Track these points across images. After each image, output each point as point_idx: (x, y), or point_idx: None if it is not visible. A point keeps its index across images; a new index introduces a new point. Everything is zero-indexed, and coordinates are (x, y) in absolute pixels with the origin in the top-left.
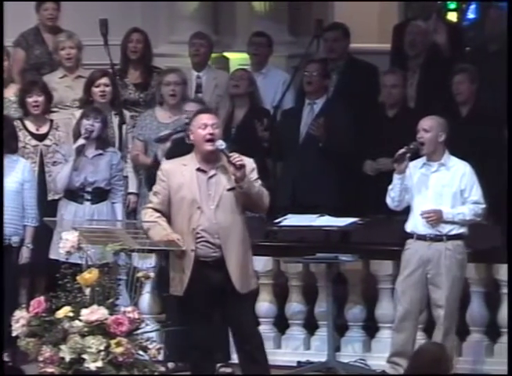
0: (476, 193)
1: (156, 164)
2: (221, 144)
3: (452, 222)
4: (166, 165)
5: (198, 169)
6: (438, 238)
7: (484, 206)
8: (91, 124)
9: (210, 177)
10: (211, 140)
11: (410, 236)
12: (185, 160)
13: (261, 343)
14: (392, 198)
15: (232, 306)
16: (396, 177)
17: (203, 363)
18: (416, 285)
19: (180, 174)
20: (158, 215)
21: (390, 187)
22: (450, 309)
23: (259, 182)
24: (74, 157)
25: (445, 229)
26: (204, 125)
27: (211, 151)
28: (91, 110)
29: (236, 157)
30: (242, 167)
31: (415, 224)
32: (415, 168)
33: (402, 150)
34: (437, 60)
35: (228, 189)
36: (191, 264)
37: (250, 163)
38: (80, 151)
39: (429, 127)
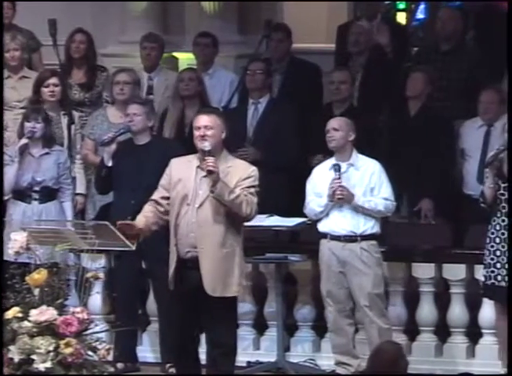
0: (386, 190)
1: (103, 166)
2: (204, 146)
3: (364, 211)
4: (173, 160)
5: (198, 167)
6: (352, 239)
7: (395, 203)
8: (32, 126)
9: (205, 176)
10: (201, 141)
11: (322, 236)
12: (191, 157)
13: (229, 351)
14: (319, 216)
15: (205, 309)
16: (327, 204)
17: (185, 363)
18: (339, 285)
19: (182, 170)
20: (151, 209)
21: (316, 207)
22: (378, 306)
23: (250, 190)
24: (19, 158)
25: (359, 229)
26: (198, 127)
27: (202, 151)
28: (31, 111)
29: (208, 161)
30: (209, 172)
31: (329, 225)
32: (323, 172)
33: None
34: (380, 60)
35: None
36: (175, 259)
37: (247, 171)
38: (23, 151)
39: (339, 126)
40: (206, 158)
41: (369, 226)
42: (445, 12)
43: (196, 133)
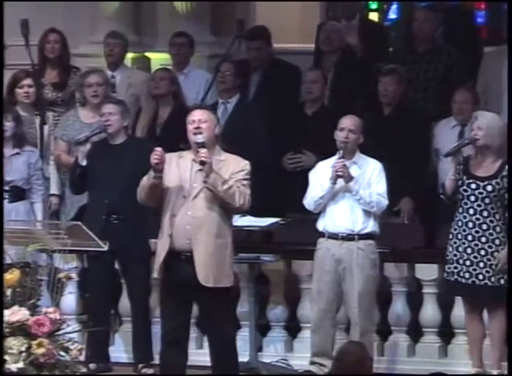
0: (381, 187)
1: (77, 166)
2: (198, 138)
3: (358, 200)
4: (166, 155)
5: (193, 160)
6: (349, 237)
7: (387, 202)
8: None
9: (200, 169)
10: (196, 134)
11: (321, 235)
12: (184, 153)
13: (229, 345)
14: (320, 204)
15: (201, 300)
16: (330, 186)
17: (172, 357)
18: (331, 284)
19: (175, 164)
20: None
21: (317, 193)
22: (364, 308)
23: (243, 182)
24: None
25: (358, 227)
26: (192, 121)
27: (196, 144)
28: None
29: (201, 152)
30: (202, 163)
31: (327, 222)
32: (326, 168)
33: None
34: (352, 60)
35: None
36: (166, 249)
37: (240, 164)
38: None
39: (355, 127)
40: (199, 150)
41: (368, 225)
42: (421, 13)
43: (190, 127)
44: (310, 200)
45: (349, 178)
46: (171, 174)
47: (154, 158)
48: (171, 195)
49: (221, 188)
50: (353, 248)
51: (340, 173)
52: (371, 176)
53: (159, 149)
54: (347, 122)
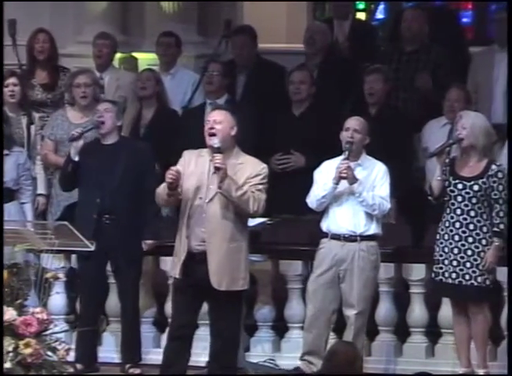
0: (384, 190)
1: (69, 161)
2: (214, 143)
3: (361, 202)
4: (186, 152)
5: (211, 160)
6: (352, 238)
7: (390, 205)
8: None
9: (214, 172)
10: (211, 135)
11: (325, 235)
12: (204, 152)
13: (231, 345)
14: (322, 203)
15: (211, 302)
16: (333, 187)
17: (174, 354)
18: (329, 284)
19: (194, 164)
20: None
21: (320, 192)
22: (361, 309)
23: (259, 187)
24: None
25: (360, 229)
26: (208, 121)
27: (212, 148)
28: None
29: (216, 158)
30: (217, 169)
31: (330, 223)
32: (331, 167)
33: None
34: (336, 60)
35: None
36: (185, 251)
37: (257, 168)
38: None
39: (360, 128)
40: (214, 155)
41: (370, 227)
42: (409, 12)
43: (206, 127)
44: (313, 198)
45: (353, 179)
46: (190, 173)
47: (168, 177)
48: (188, 195)
49: (235, 194)
50: (355, 249)
51: (344, 175)
52: (375, 178)
53: (175, 168)
54: (353, 122)
